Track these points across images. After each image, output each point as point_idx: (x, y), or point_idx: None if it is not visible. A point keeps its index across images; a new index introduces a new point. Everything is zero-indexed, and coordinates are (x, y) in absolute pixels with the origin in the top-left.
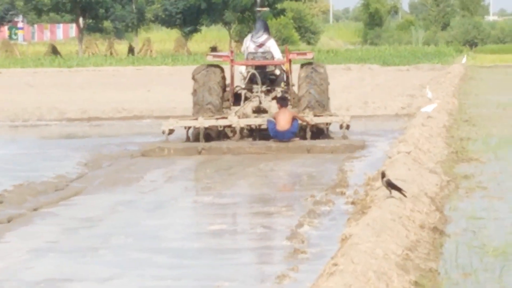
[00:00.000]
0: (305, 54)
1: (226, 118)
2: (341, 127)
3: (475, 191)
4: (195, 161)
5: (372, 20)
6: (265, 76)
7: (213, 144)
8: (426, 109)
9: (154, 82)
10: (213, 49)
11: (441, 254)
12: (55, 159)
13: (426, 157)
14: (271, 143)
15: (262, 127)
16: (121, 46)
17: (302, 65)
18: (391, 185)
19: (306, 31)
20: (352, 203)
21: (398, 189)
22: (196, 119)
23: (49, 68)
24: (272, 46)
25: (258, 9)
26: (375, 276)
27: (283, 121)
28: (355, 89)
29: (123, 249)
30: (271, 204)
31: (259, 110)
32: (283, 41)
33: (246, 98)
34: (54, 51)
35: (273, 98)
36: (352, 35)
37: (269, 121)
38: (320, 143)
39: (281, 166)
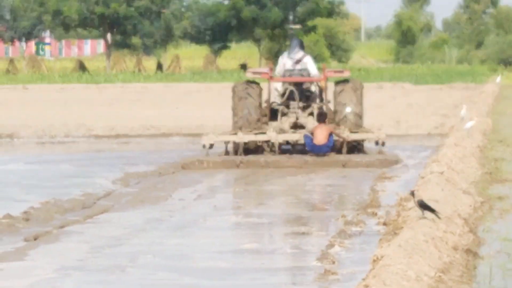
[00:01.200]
0: (342, 72)
1: (264, 133)
2: (376, 143)
3: (509, 213)
4: (223, 179)
5: (405, 38)
6: (301, 92)
7: (251, 157)
8: (467, 126)
9: (182, 99)
10: (243, 66)
11: (475, 276)
12: (83, 176)
13: (460, 177)
14: (308, 157)
15: (299, 142)
16: (149, 63)
17: (338, 82)
18: (423, 206)
19: (337, 49)
20: (384, 223)
21: (431, 210)
22: (235, 134)
23: (77, 84)
24: (309, 62)
25: (291, 26)
26: None
27: (321, 136)
28: (387, 107)
29: (151, 268)
30: (301, 224)
31: (296, 126)
32: (313, 58)
33: (283, 114)
34: (82, 67)
35: (309, 114)
36: (384, 53)
37: (306, 136)
38: (355, 157)
39: (312, 185)
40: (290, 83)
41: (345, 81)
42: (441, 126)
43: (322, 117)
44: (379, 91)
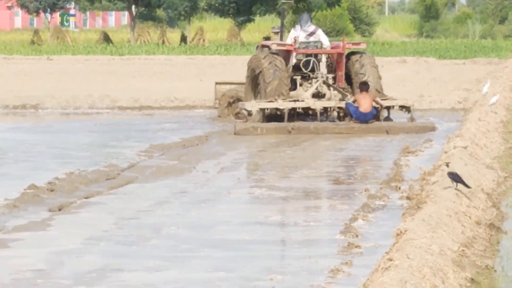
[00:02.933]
0: (358, 44)
1: (303, 101)
2: (408, 111)
3: None
4: (247, 152)
5: (428, 13)
6: (319, 64)
7: (301, 124)
8: (492, 101)
9: (206, 71)
10: (267, 38)
11: (498, 251)
12: (107, 147)
13: (483, 152)
14: (353, 124)
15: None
16: (173, 35)
17: (350, 54)
18: (455, 178)
19: (361, 23)
20: (407, 198)
21: (463, 182)
22: (272, 101)
23: (101, 56)
24: (321, 35)
25: (283, 1)
26: (430, 272)
27: (366, 104)
28: (410, 82)
29: (175, 240)
30: (325, 197)
31: (318, 95)
32: (337, 32)
33: (300, 84)
34: (106, 38)
35: (325, 84)
36: (408, 28)
37: (349, 104)
38: (397, 124)
39: (335, 159)
40: (308, 55)
41: (358, 52)
42: (464, 101)
43: (365, 86)
44: (402, 65)
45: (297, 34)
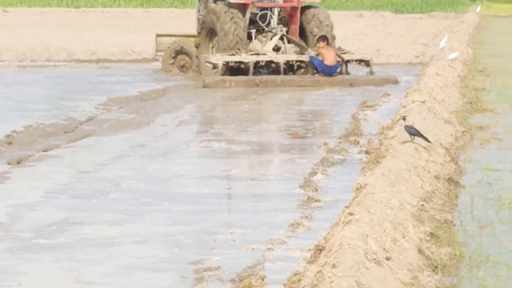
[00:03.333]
0: None
1: (265, 54)
2: (367, 64)
3: (490, 143)
4: (205, 105)
5: None
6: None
7: (268, 77)
8: (450, 57)
9: (163, 24)
10: None
11: (456, 205)
12: (64, 101)
13: (441, 107)
14: (319, 77)
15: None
16: None
17: (304, 8)
18: (413, 132)
19: None
20: (366, 152)
21: (421, 135)
22: (234, 55)
23: (57, 8)
24: None
25: None
26: (391, 226)
27: (331, 57)
28: (367, 36)
29: (134, 193)
30: (283, 151)
31: (274, 49)
32: None
33: (255, 38)
34: None
35: (280, 38)
36: None
37: (313, 58)
38: (360, 77)
39: (294, 113)
40: (264, 8)
41: (309, 6)
42: (421, 55)
43: (326, 39)
44: (359, 20)
45: None
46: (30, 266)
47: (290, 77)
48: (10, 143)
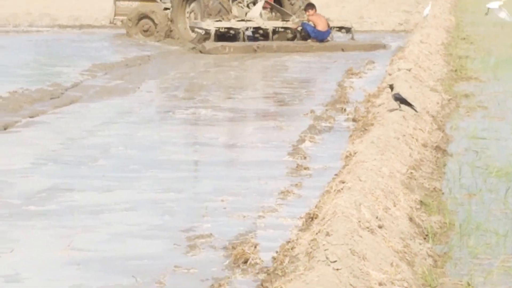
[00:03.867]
0: None
1: (251, 21)
2: (348, 31)
3: (475, 111)
4: (190, 71)
5: None
6: None
7: (265, 43)
8: (426, 12)
9: None
10: None
11: (445, 173)
12: (49, 66)
13: (426, 74)
14: (312, 43)
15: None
16: None
17: None
18: (400, 99)
19: None
20: (353, 120)
21: (408, 104)
22: (220, 21)
23: None
24: None
25: None
26: (382, 194)
27: (323, 23)
28: (349, 3)
29: (123, 160)
30: (270, 118)
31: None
32: None
33: (232, 4)
34: None
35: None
36: None
37: (305, 24)
38: (350, 42)
39: (279, 81)
40: None
41: None
42: (405, 23)
43: (314, 6)
44: None
45: None
46: (21, 232)
47: (285, 43)
48: None
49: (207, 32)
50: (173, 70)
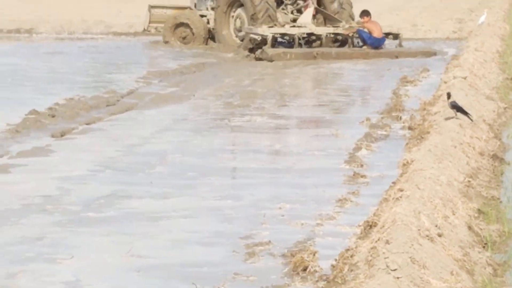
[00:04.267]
0: None
1: (305, 27)
2: (396, 38)
3: None
4: (245, 78)
5: None
6: None
7: (324, 49)
8: (481, 20)
9: None
10: None
11: (502, 182)
12: (105, 73)
13: (482, 82)
14: (368, 50)
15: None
16: None
17: None
18: (457, 107)
19: None
20: (409, 128)
21: (464, 112)
22: (272, 26)
23: None
24: None
25: None
26: (441, 202)
27: (378, 30)
28: (402, 10)
29: (180, 167)
30: (326, 126)
31: (293, 22)
32: None
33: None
34: None
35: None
36: None
37: (361, 31)
38: (404, 49)
39: (333, 89)
40: None
41: None
42: (459, 31)
43: (369, 13)
44: None
45: None
46: (81, 239)
47: (343, 50)
48: (53, 116)
49: (264, 38)
50: (228, 77)
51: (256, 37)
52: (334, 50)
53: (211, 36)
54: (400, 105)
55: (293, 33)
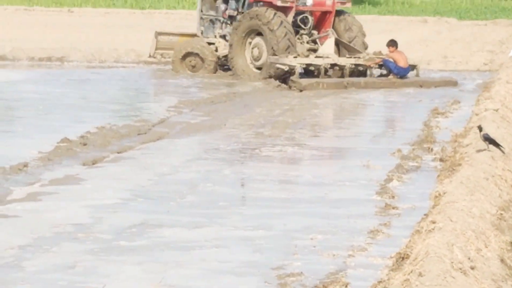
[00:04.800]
0: (344, 3)
1: (327, 57)
2: (414, 68)
3: None
4: (275, 109)
5: None
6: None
7: (354, 79)
8: (511, 54)
9: None
10: None
11: None
12: (136, 102)
13: None
14: (394, 79)
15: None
16: None
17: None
18: (489, 140)
19: None
20: (441, 160)
21: (496, 145)
22: (296, 57)
23: (122, 9)
24: None
25: None
26: (474, 235)
27: (404, 60)
28: (432, 42)
29: (211, 196)
30: (357, 157)
31: (311, 51)
32: None
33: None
34: None
35: (312, 41)
36: None
37: (387, 61)
38: (428, 79)
39: (363, 120)
40: (302, 12)
41: (342, 11)
42: (490, 63)
43: (396, 43)
44: (423, 25)
45: None
46: (113, 267)
47: (371, 79)
48: (85, 144)
49: (292, 69)
50: (259, 107)
51: (283, 67)
52: (363, 79)
53: (220, 63)
54: (432, 137)
55: (319, 63)
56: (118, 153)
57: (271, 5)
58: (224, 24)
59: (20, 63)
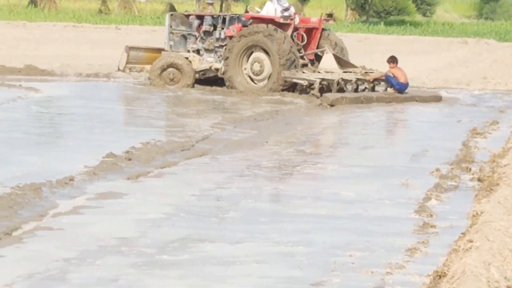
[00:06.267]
0: (328, 20)
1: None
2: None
3: None
4: (314, 128)
5: None
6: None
7: (367, 94)
8: None
9: None
10: (330, 15)
11: None
12: (180, 118)
13: None
14: (396, 94)
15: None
16: (238, 9)
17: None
18: None
19: (422, 3)
20: (478, 179)
21: None
22: (306, 72)
23: None
24: (293, 10)
25: None
26: (511, 255)
27: (404, 76)
28: (472, 63)
29: (253, 213)
30: (397, 175)
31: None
32: (398, 11)
33: None
34: (172, 9)
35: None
36: (468, 9)
37: (388, 77)
38: (421, 94)
39: (403, 140)
40: (295, 30)
41: (324, 29)
42: None
43: (396, 59)
44: (463, 47)
45: (275, 8)
46: (156, 282)
47: (381, 94)
48: (130, 159)
49: (311, 84)
50: (300, 125)
51: (302, 82)
52: (375, 94)
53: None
54: (470, 157)
55: (334, 78)
56: (161, 168)
57: (272, 22)
58: (198, 39)
59: (68, 79)
